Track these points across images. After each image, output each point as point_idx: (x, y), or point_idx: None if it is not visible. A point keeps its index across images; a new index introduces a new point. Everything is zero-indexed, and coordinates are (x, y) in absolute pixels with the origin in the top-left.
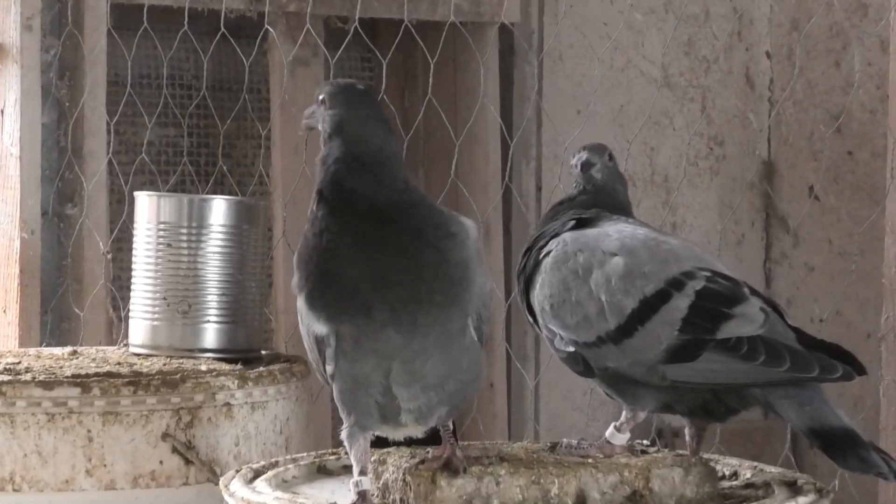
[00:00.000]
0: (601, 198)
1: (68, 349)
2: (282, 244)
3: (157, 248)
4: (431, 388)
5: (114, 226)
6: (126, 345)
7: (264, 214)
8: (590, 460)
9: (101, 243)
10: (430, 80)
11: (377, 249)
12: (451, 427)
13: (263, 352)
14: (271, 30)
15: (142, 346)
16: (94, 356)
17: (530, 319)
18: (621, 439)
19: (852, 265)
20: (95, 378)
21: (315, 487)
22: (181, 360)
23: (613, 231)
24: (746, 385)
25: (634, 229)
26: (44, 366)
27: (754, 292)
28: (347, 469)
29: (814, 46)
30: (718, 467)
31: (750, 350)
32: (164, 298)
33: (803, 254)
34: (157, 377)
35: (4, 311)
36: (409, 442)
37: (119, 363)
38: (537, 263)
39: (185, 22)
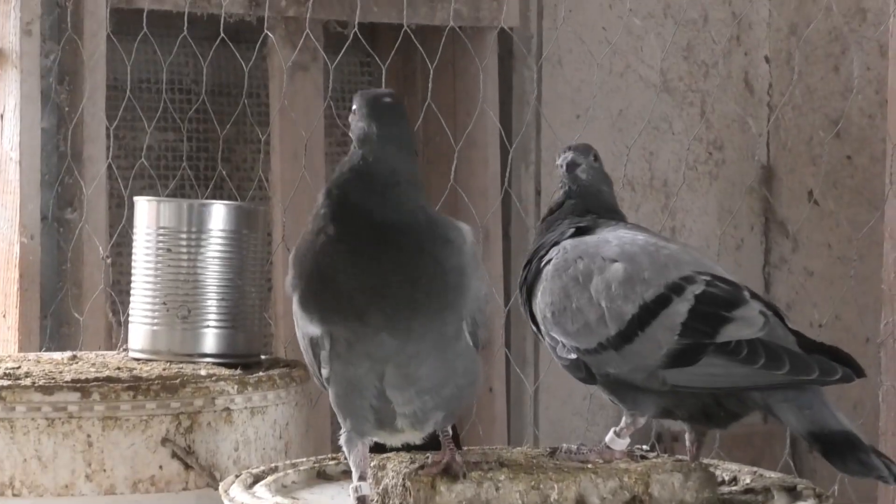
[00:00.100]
0: (588, 199)
1: (68, 354)
2: (281, 249)
3: (156, 252)
4: (426, 392)
5: (113, 230)
6: (126, 349)
7: (264, 219)
8: (589, 465)
9: (100, 248)
10: (430, 84)
11: (374, 262)
12: (451, 432)
13: (263, 357)
14: (270, 35)
15: (141, 351)
16: (93, 361)
17: (534, 328)
18: (621, 444)
19: (851, 270)
20: (95, 383)
21: (315, 493)
22: (181, 365)
23: (613, 237)
24: (746, 388)
25: (634, 235)
26: (43, 371)
27: (754, 295)
28: (347, 474)
29: (813, 51)
30: (718, 472)
31: (750, 353)
32: (164, 303)
33: (802, 258)
34: (156, 382)
35: (4, 316)
36: (409, 447)
37: (119, 368)
38: (538, 272)
39: (185, 27)
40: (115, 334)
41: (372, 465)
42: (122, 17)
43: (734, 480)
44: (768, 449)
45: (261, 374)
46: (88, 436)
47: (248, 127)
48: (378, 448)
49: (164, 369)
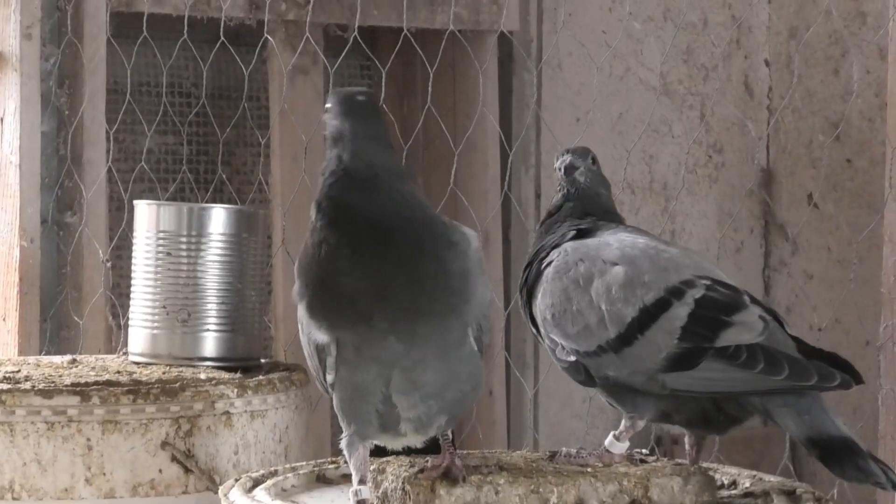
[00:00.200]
0: (586, 202)
1: (68, 357)
2: (281, 252)
3: (156, 256)
4: (431, 396)
5: (113, 234)
6: (125, 353)
7: (264, 223)
8: (589, 469)
9: (100, 251)
10: (430, 88)
11: (376, 260)
12: (451, 436)
13: (263, 360)
14: (270, 38)
15: (141, 355)
16: (93, 364)
17: (533, 331)
18: (620, 448)
19: (851, 273)
20: (95, 386)
21: (314, 496)
22: (180, 369)
23: (614, 240)
24: (745, 393)
25: (635, 238)
26: (43, 374)
27: (754, 300)
28: (347, 478)
29: (812, 54)
30: (717, 476)
31: (749, 358)
32: (164, 307)
33: (802, 261)
34: (156, 386)
35: (4, 320)
36: (409, 451)
37: (118, 371)
38: (539, 274)
39: (185, 30)
40: (114, 338)
41: (372, 468)
42: (122, 20)
43: (733, 484)
44: (768, 452)
45: (261, 377)
46: (88, 439)
47: (248, 130)
48: (378, 452)
49: (163, 373)
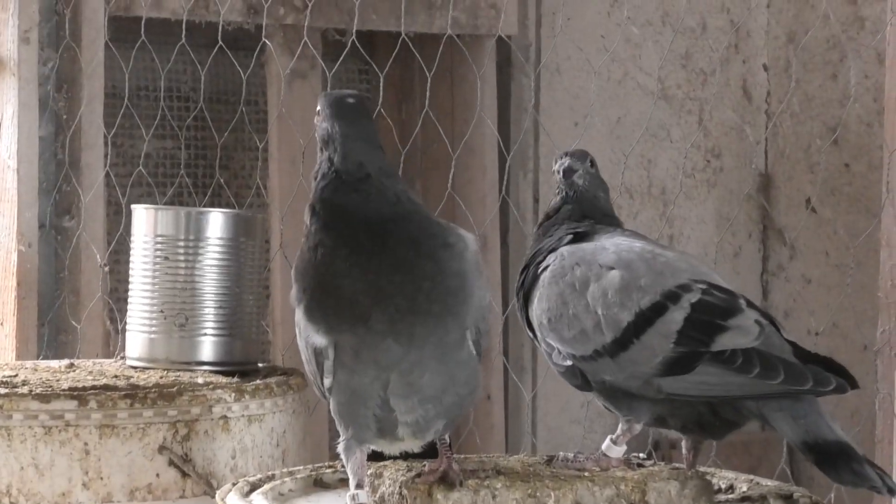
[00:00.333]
0: (584, 205)
1: (65, 362)
2: (279, 257)
3: (154, 260)
4: (429, 400)
5: (111, 238)
6: (123, 357)
7: (262, 227)
8: (586, 473)
9: (98, 256)
10: (428, 92)
11: (373, 261)
12: (448, 440)
13: (260, 364)
14: (269, 42)
15: (139, 359)
16: (90, 369)
17: (530, 334)
18: (618, 452)
19: (848, 278)
20: (92, 391)
21: (311, 501)
22: (178, 373)
23: (610, 244)
24: (741, 397)
25: (631, 242)
26: (41, 379)
27: (750, 304)
28: (344, 482)
29: (811, 59)
30: (714, 480)
31: (744, 363)
32: (162, 311)
33: (800, 266)
34: (153, 390)
35: (1, 324)
36: (406, 455)
37: (116, 376)
38: (535, 278)
39: (183, 34)
40: (112, 342)
41: (369, 472)
42: (120, 24)
43: (731, 489)
44: (765, 457)
45: (258, 381)
46: (85, 444)
47: (246, 134)
48: (375, 456)
49: (161, 377)
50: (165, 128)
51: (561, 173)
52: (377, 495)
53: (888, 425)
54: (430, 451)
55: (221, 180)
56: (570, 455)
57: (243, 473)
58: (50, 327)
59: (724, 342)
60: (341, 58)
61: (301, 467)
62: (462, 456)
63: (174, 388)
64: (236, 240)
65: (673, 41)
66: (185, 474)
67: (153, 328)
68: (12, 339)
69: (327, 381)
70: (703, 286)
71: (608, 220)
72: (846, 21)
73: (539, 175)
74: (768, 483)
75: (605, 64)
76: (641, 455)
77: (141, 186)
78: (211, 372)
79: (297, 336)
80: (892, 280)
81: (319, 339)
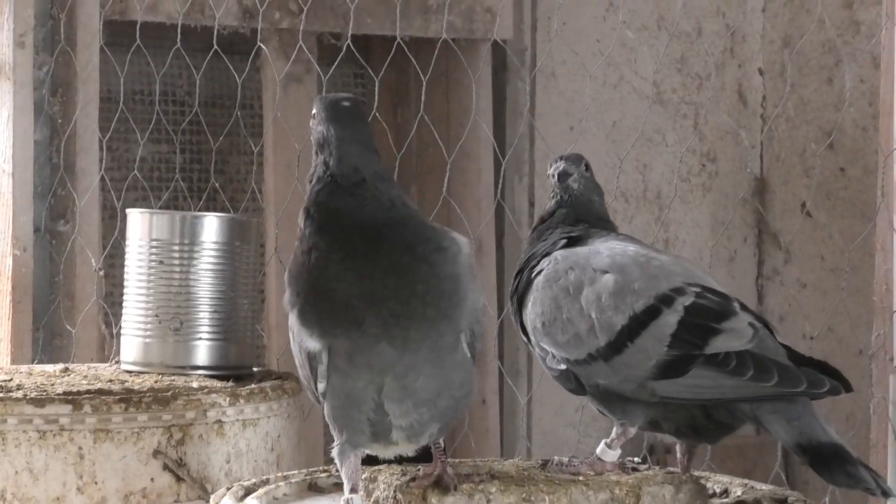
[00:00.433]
0: (579, 209)
1: (60, 366)
2: (274, 261)
3: (149, 264)
4: (423, 404)
5: (106, 242)
6: (118, 362)
7: (256, 231)
8: (580, 477)
9: (93, 260)
10: (423, 96)
11: (367, 265)
12: (442, 444)
13: (255, 369)
14: (264, 46)
15: (133, 363)
16: (85, 373)
17: (524, 339)
18: (612, 456)
19: (843, 282)
20: (87, 395)
21: None
22: (173, 378)
23: (604, 248)
24: (735, 400)
25: (625, 246)
26: (35, 383)
27: (744, 307)
28: (338, 486)
29: (806, 63)
30: (709, 484)
31: (738, 365)
32: (156, 315)
33: (795, 270)
34: (148, 394)
35: None
36: (400, 459)
37: (111, 380)
38: (529, 282)
39: (178, 38)
40: (107, 346)
41: (363, 477)
42: (116, 28)
43: (725, 493)
44: (760, 461)
45: (253, 386)
46: (80, 448)
47: (241, 138)
48: (370, 460)
49: (156, 381)
50: (160, 132)
51: (556, 177)
52: (371, 499)
53: (882, 429)
54: (424, 455)
55: (216, 184)
56: (565, 459)
57: (238, 478)
58: (45, 331)
59: (718, 345)
60: (337, 62)
61: (296, 472)
62: (457, 460)
63: (169, 393)
64: (231, 244)
65: (668, 45)
66: (179, 479)
67: (148, 332)
68: (7, 344)
69: (321, 386)
70: (697, 289)
71: (602, 224)
72: (841, 25)
73: (534, 179)
74: (763, 487)
75: (601, 68)
76: (636, 459)
77: (136, 190)
78: (206, 376)
79: (291, 340)
80: (886, 284)
81: (313, 344)
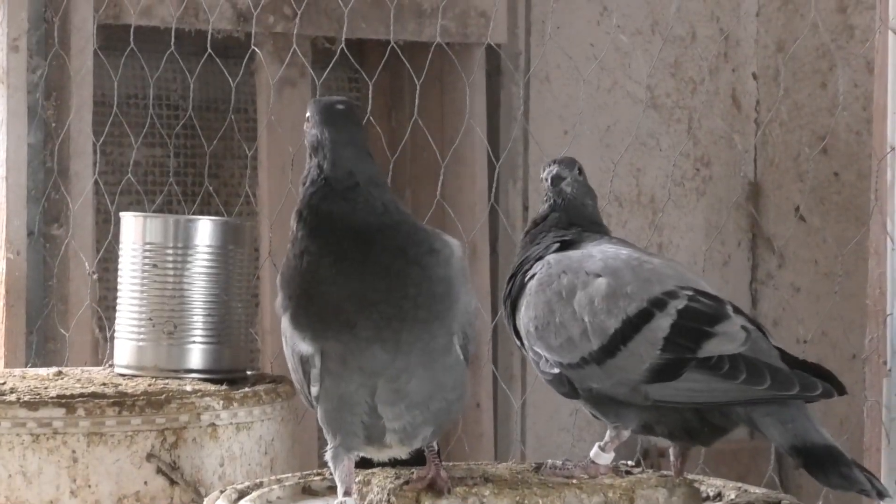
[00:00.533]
0: (572, 213)
1: (53, 370)
2: (268, 264)
3: (142, 268)
4: (416, 406)
5: (100, 246)
6: (111, 365)
7: (250, 235)
8: (574, 481)
9: (86, 263)
10: (417, 100)
11: (358, 268)
12: (436, 447)
13: (249, 372)
14: (258, 50)
15: (127, 367)
16: (79, 377)
17: (518, 343)
18: (606, 459)
19: (837, 286)
20: (80, 399)
21: None
22: (166, 381)
23: (597, 252)
24: (728, 403)
25: (618, 249)
26: (29, 386)
27: (737, 310)
28: (332, 490)
29: (800, 68)
30: (703, 488)
31: (731, 369)
32: (150, 319)
33: (789, 275)
34: (141, 398)
35: None
36: (394, 462)
37: (104, 384)
38: (522, 286)
39: (172, 42)
40: (101, 350)
41: (357, 480)
42: (110, 32)
43: (719, 496)
44: (754, 465)
45: (246, 389)
46: (73, 451)
47: (235, 142)
48: (364, 463)
49: (149, 385)
50: (154, 136)
51: (549, 181)
52: (365, 502)
53: (876, 433)
54: (418, 459)
55: (210, 188)
56: (559, 462)
57: (231, 481)
58: (38, 335)
59: (711, 348)
60: (330, 66)
61: (289, 475)
62: (450, 463)
63: (162, 396)
64: (225, 248)
65: (662, 50)
66: (173, 482)
67: (142, 336)
68: (0, 347)
69: (314, 389)
70: (690, 293)
71: (595, 228)
72: (835, 30)
73: (528, 183)
74: (756, 491)
75: (595, 72)
76: (630, 462)
77: (130, 194)
78: (199, 380)
79: (284, 344)
80: (880, 288)
81: (305, 347)
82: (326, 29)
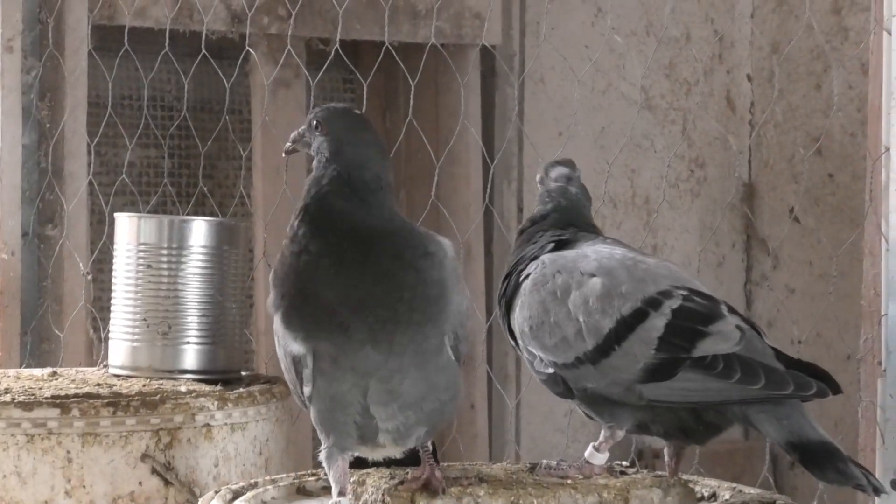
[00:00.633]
0: (572, 213)
1: (48, 370)
2: (262, 265)
3: (137, 269)
4: (409, 407)
5: (94, 247)
6: (106, 366)
7: (245, 236)
8: (569, 481)
9: (81, 264)
10: (411, 101)
11: (355, 272)
12: (431, 448)
13: (243, 373)
14: (252, 51)
15: (122, 368)
16: (73, 377)
17: (512, 342)
18: (600, 459)
19: (832, 287)
20: (75, 399)
21: None
22: (161, 382)
23: (591, 252)
24: (722, 403)
25: (612, 249)
26: (23, 387)
27: (731, 310)
28: (327, 490)
29: (794, 69)
30: (697, 488)
31: (725, 368)
32: (144, 319)
33: (783, 276)
34: (136, 398)
35: None
36: (389, 462)
37: (99, 384)
38: (517, 286)
39: (167, 43)
40: (95, 351)
41: (352, 480)
42: (104, 33)
43: (713, 496)
44: (749, 465)
45: (241, 390)
46: (68, 452)
47: (229, 143)
48: (358, 463)
49: (144, 385)
50: (149, 136)
51: (560, 181)
52: (360, 502)
53: (871, 433)
54: (413, 459)
55: (205, 189)
56: (553, 462)
57: (226, 481)
58: (33, 336)
59: (706, 348)
60: (325, 67)
61: (284, 475)
62: (445, 464)
63: (157, 397)
64: (219, 248)
65: (657, 51)
66: (167, 482)
67: (136, 336)
68: None
69: (307, 389)
70: (684, 292)
71: (591, 229)
72: (830, 31)
73: (523, 184)
74: (751, 491)
75: (589, 73)
76: (624, 463)
77: (124, 195)
78: (194, 380)
79: (276, 344)
80: (874, 289)
81: (297, 347)
82: (321, 30)
